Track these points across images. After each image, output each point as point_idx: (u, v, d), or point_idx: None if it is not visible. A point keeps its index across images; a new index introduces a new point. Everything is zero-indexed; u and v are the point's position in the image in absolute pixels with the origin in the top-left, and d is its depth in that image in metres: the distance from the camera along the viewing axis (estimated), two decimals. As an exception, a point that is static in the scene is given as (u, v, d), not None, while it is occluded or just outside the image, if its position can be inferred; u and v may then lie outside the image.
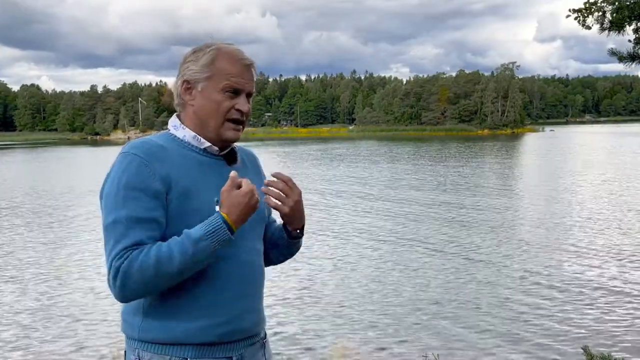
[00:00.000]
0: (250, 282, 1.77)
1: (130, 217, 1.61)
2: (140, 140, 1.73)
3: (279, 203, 1.79)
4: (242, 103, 1.75)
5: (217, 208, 1.66)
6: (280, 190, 1.79)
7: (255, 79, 1.81)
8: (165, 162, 1.67)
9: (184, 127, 1.78)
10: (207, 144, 1.76)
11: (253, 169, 1.94)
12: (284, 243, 1.93)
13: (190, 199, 1.67)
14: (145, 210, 1.62)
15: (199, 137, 1.75)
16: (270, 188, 1.78)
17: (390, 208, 17.70)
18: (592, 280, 9.60)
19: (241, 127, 1.79)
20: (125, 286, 1.58)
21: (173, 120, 1.81)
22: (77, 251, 12.58)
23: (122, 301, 1.65)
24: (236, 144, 1.87)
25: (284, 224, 1.91)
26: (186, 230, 1.62)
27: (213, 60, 1.74)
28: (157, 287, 1.63)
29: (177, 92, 1.79)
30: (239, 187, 1.65)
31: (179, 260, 1.58)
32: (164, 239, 1.64)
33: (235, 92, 1.74)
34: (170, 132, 1.79)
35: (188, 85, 1.76)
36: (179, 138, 1.76)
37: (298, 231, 1.90)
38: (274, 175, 1.79)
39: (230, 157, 1.82)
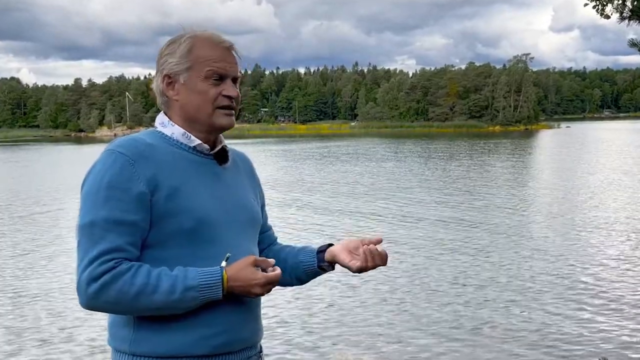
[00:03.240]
0: None
1: (109, 219, 1.59)
2: (127, 138, 1.72)
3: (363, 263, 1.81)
4: (229, 88, 1.75)
5: (224, 264, 1.65)
6: (375, 259, 1.81)
7: (238, 62, 1.80)
8: (152, 162, 1.67)
9: (173, 124, 1.78)
10: (197, 141, 1.76)
11: (246, 172, 1.95)
12: (311, 270, 1.93)
13: (178, 199, 1.66)
14: (125, 213, 1.60)
15: (189, 134, 1.76)
16: (372, 253, 1.80)
17: (397, 211, 17.68)
18: (612, 288, 9.59)
19: (233, 112, 1.79)
20: (97, 297, 1.57)
21: (160, 117, 1.81)
22: (58, 262, 12.56)
23: (86, 308, 1.63)
24: (228, 145, 1.87)
25: (318, 252, 1.92)
26: (183, 269, 1.62)
27: (191, 49, 1.74)
28: (127, 312, 1.63)
29: (159, 89, 1.79)
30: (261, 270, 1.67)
31: (162, 299, 1.58)
32: (150, 240, 1.64)
33: (220, 78, 1.74)
34: (158, 129, 1.79)
35: (169, 80, 1.76)
36: (167, 136, 1.76)
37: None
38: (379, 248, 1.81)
39: (221, 157, 1.83)
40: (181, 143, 1.76)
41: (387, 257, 1.83)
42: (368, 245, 1.82)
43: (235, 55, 1.80)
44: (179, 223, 1.65)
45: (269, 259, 1.72)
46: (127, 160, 1.64)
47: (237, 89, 1.80)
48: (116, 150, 1.66)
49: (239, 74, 1.81)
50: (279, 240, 2.08)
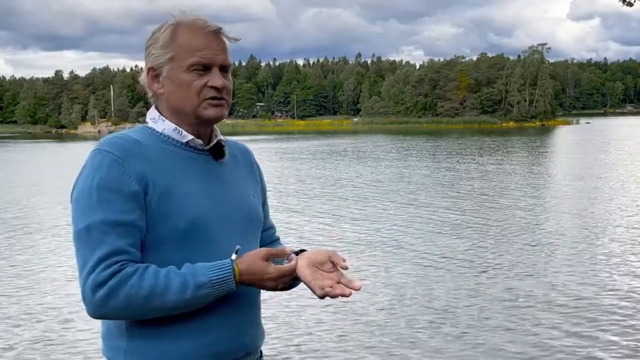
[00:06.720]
0: (248, 291, 1.77)
1: (106, 222, 1.59)
2: (112, 136, 1.72)
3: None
4: (215, 78, 1.72)
5: (234, 256, 1.66)
6: (344, 289, 1.72)
7: (227, 48, 1.77)
8: (141, 159, 1.67)
9: (164, 119, 1.78)
10: (190, 136, 1.76)
11: (246, 165, 1.95)
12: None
13: (171, 199, 1.67)
14: (122, 213, 1.61)
15: (180, 129, 1.76)
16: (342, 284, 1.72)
17: (405, 216, 17.67)
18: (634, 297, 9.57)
19: (224, 102, 1.76)
20: (105, 304, 1.58)
21: (152, 113, 1.81)
22: (44, 272, 12.53)
23: (95, 317, 1.63)
24: (226, 138, 1.87)
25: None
26: (191, 266, 1.63)
27: (173, 38, 1.72)
28: (138, 316, 1.63)
29: (146, 83, 1.79)
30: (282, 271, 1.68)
31: (174, 299, 1.59)
32: (144, 243, 1.65)
33: (205, 68, 1.72)
34: (149, 125, 1.80)
35: (154, 73, 1.76)
36: (158, 132, 1.77)
37: None
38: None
39: (217, 152, 1.82)
40: (173, 139, 1.76)
41: (359, 288, 1.72)
42: (338, 271, 1.72)
43: (224, 40, 1.76)
44: (172, 225, 1.65)
45: (285, 249, 1.74)
46: (114, 159, 1.64)
47: (228, 77, 1.77)
48: (103, 150, 1.66)
49: (228, 61, 1.76)
50: (281, 241, 2.06)
